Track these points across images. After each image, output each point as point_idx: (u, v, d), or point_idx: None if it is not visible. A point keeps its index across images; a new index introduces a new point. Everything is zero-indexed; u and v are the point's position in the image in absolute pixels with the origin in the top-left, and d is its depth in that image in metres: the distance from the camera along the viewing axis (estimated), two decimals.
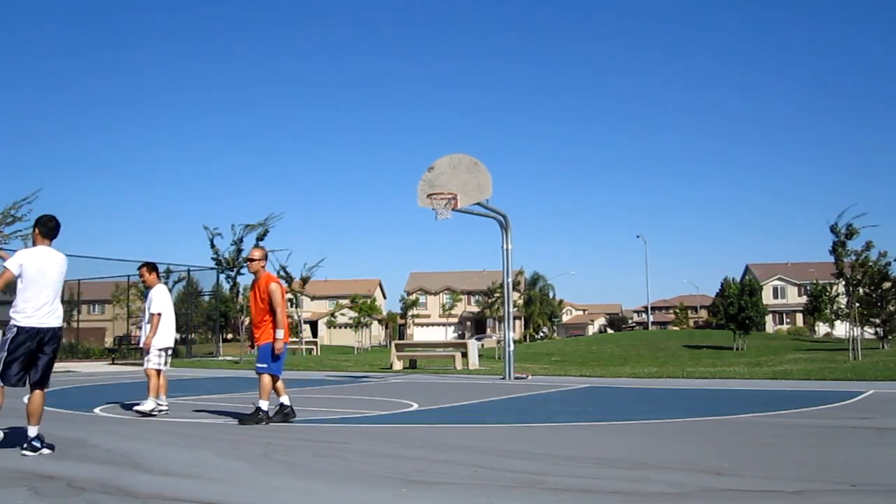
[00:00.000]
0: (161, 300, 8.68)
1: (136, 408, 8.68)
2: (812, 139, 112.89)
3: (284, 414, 7.92)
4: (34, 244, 6.22)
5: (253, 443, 6.40)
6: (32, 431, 5.93)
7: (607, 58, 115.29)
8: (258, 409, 7.71)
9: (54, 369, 6.36)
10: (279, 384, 7.96)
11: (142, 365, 8.97)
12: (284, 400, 7.99)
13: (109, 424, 7.93)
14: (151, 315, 8.64)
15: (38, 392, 6.03)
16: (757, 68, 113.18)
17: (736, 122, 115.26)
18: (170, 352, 8.80)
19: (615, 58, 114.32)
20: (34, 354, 5.96)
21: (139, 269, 8.98)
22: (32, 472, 5.08)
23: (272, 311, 7.73)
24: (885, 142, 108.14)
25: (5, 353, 5.87)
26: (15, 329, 5.89)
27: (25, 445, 5.88)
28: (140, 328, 10.13)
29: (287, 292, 7.76)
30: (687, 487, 4.49)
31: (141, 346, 8.92)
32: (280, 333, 7.69)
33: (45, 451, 5.90)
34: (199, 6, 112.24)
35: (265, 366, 7.71)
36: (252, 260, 7.98)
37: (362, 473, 5.04)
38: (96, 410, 9.29)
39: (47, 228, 6.17)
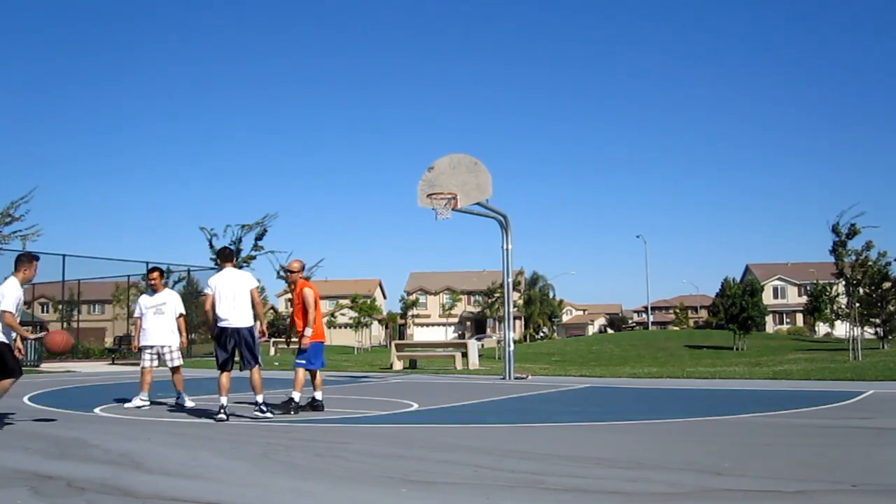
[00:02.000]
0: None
1: (126, 405, 9.45)
2: (812, 139, 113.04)
3: (314, 407, 8.69)
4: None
5: (253, 443, 6.41)
6: (258, 398, 8.03)
7: (607, 58, 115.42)
8: (290, 399, 8.46)
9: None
10: (317, 379, 8.84)
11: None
12: (317, 395, 8.79)
13: (109, 424, 7.93)
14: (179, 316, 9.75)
15: (250, 371, 8.07)
16: (757, 68, 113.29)
17: (736, 122, 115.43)
18: (153, 350, 9.55)
19: (615, 58, 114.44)
20: (233, 345, 8.02)
21: (150, 272, 9.82)
22: (32, 472, 5.07)
23: (305, 312, 8.60)
24: (885, 142, 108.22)
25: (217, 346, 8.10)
26: (218, 329, 8.03)
27: (255, 408, 8.02)
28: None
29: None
30: (687, 487, 4.49)
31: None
32: (307, 331, 8.59)
33: (269, 414, 7.90)
34: (197, 6, 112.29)
35: (302, 361, 8.58)
36: (291, 272, 8.93)
37: (362, 473, 5.04)
38: (96, 410, 9.29)
39: (220, 255, 8.31)
